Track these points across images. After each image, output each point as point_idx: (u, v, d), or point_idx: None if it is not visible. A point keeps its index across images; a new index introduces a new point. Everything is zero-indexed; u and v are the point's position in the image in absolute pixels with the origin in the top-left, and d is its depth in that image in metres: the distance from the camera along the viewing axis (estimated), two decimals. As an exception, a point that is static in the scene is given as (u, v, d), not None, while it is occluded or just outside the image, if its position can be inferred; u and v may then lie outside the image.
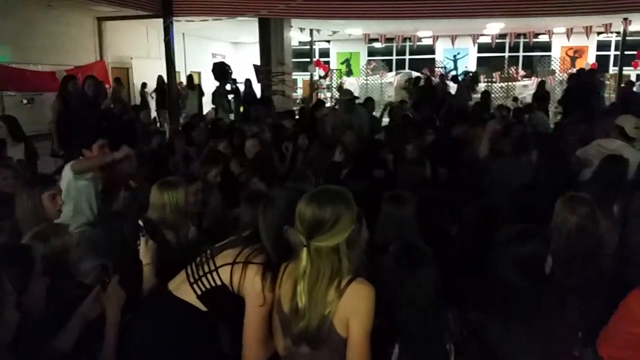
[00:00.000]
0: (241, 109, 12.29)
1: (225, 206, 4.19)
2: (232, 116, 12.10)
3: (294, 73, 16.85)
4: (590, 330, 2.19)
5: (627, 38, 15.47)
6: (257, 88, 13.18)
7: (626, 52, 15.45)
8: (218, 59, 17.09)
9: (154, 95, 14.90)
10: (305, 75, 19.10)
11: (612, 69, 19.24)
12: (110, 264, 2.77)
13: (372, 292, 1.87)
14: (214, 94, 12.26)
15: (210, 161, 4.35)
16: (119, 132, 6.57)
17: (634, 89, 13.42)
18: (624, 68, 15.57)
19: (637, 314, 2.04)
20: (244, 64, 17.66)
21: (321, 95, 20.30)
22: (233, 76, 12.43)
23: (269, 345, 2.06)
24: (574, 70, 14.26)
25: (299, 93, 20.94)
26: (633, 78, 16.90)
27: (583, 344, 2.21)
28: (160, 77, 13.98)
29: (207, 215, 3.90)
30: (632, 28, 15.35)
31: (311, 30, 16.80)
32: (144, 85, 15.74)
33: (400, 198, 3.00)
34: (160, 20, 11.52)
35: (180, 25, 13.58)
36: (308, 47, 18.18)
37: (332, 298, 1.85)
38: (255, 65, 14.06)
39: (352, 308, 1.85)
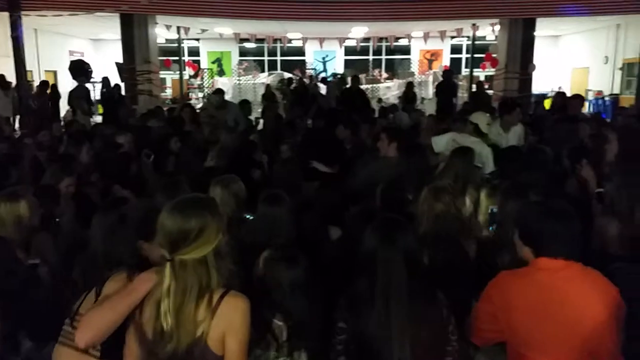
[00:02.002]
0: (100, 109, 11.47)
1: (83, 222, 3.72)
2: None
3: (162, 72, 16.20)
4: (459, 323, 2.32)
5: (476, 42, 17.02)
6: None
7: (476, 55, 16.97)
8: (76, 57, 15.88)
9: None
10: (175, 75, 18.42)
11: (465, 71, 21.02)
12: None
13: (247, 304, 1.79)
14: (70, 94, 11.30)
15: (62, 169, 3.92)
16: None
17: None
18: (475, 70, 17.08)
19: (490, 292, 2.23)
20: (106, 62, 16.63)
21: (192, 96, 19.77)
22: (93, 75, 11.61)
23: None
24: (431, 72, 15.41)
25: (168, 93, 20.16)
26: (482, 79, 18.61)
27: (455, 337, 2.32)
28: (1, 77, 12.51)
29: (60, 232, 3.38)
30: (480, 33, 16.92)
31: (178, 28, 16.25)
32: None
33: (274, 197, 2.98)
34: (6, 14, 10.44)
35: (32, 20, 12.40)
36: (176, 45, 17.56)
37: (204, 316, 1.73)
38: (118, 64, 13.28)
39: (228, 324, 1.75)
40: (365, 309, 2.08)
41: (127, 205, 2.20)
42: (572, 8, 11.41)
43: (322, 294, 2.29)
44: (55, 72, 17.70)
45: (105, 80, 11.89)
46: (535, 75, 13.82)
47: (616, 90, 16.62)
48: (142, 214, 1.87)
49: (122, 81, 12.71)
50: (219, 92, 9.14)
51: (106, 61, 17.17)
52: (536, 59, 13.67)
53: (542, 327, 2.07)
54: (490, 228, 3.14)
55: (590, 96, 16.66)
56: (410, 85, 14.10)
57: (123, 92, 11.93)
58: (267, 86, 15.66)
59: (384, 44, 22.05)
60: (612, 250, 3.13)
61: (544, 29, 16.19)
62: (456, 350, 2.17)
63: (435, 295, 2.16)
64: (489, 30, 15.94)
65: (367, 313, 2.07)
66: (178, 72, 17.12)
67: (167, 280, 1.73)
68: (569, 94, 10.69)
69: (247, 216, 3.27)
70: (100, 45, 21.79)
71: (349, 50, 22.27)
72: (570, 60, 19.93)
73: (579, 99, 8.21)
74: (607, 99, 16.37)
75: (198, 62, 22.45)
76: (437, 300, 2.15)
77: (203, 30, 17.58)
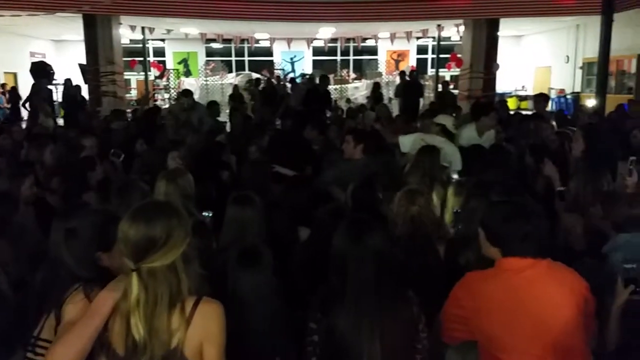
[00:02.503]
0: (62, 112, 11.18)
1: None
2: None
3: (127, 73, 15.92)
4: (431, 321, 2.33)
5: (442, 43, 17.26)
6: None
7: (441, 55, 17.20)
8: (37, 59, 15.45)
9: None
10: (140, 76, 18.11)
11: (431, 71, 21.29)
12: None
13: (221, 308, 1.75)
14: (31, 96, 10.97)
15: (22, 172, 3.77)
16: None
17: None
18: (440, 70, 17.33)
19: (457, 294, 2.25)
20: (69, 64, 16.24)
21: (158, 97, 19.48)
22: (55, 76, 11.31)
23: None
24: (397, 72, 15.59)
25: (133, 94, 19.81)
26: (448, 79, 18.90)
27: (425, 334, 2.33)
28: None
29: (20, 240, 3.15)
30: (445, 34, 17.17)
31: (143, 29, 15.99)
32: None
33: (244, 198, 2.95)
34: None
35: (-12, 20, 12.02)
36: (141, 45, 17.28)
37: (178, 325, 1.68)
38: (81, 65, 12.99)
39: (205, 332, 1.71)
40: (336, 309, 2.07)
41: (84, 213, 2.11)
42: (534, 8, 11.70)
43: (290, 295, 2.28)
44: (15, 74, 17.18)
45: (67, 82, 11.63)
46: (499, 74, 14.10)
47: (577, 89, 17.10)
48: (98, 223, 1.79)
49: (85, 83, 12.45)
50: (188, 93, 9.00)
51: (69, 63, 16.75)
52: (500, 59, 13.96)
53: (512, 328, 2.08)
54: (455, 228, 3.18)
55: (553, 94, 17.08)
56: (377, 86, 14.20)
57: (85, 94, 11.68)
58: (235, 87, 15.54)
59: (351, 44, 22.14)
60: (577, 247, 3.21)
61: (507, 29, 16.53)
62: (426, 349, 2.18)
63: (406, 294, 2.17)
64: (453, 31, 16.19)
65: (338, 312, 2.06)
66: (143, 73, 16.85)
67: (134, 291, 1.66)
68: (532, 93, 10.96)
69: (205, 214, 3.20)
70: (63, 47, 21.27)
71: (317, 51, 22.30)
72: (533, 60, 20.40)
73: (543, 97, 8.43)
74: (569, 97, 16.84)
75: (164, 62, 22.13)
76: (407, 298, 2.15)
77: (168, 31, 17.35)
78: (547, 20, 15.67)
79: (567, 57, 17.90)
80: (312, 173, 5.17)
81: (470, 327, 2.18)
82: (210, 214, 3.18)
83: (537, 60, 20.20)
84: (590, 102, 12.70)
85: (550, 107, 10.75)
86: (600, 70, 9.12)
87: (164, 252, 1.67)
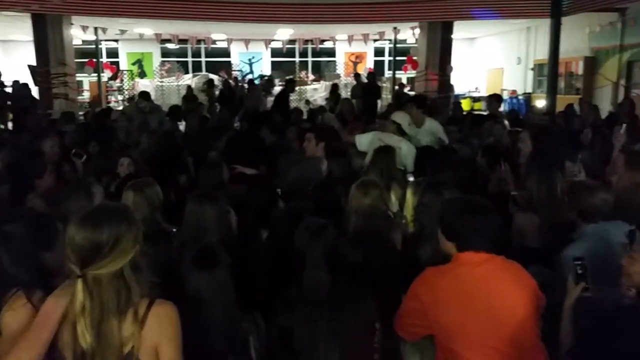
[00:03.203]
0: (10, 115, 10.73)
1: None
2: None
3: (79, 74, 15.46)
4: (385, 318, 2.36)
5: (398, 45, 17.50)
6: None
7: (398, 58, 17.43)
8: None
9: None
10: (93, 77, 17.61)
11: (388, 73, 21.55)
12: None
13: (175, 309, 1.73)
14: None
15: None
16: None
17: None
18: (397, 72, 17.55)
19: (416, 289, 2.28)
20: (17, 65, 15.64)
21: (112, 99, 19.00)
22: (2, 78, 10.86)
23: None
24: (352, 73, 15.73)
25: (86, 96, 19.25)
26: (404, 81, 19.18)
27: (381, 333, 2.36)
28: None
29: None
30: (401, 36, 17.41)
31: (96, 29, 15.56)
32: None
33: (203, 195, 2.92)
34: None
35: None
36: (93, 46, 16.81)
37: (132, 331, 1.64)
38: (30, 66, 12.53)
39: (160, 334, 1.68)
40: (294, 309, 2.10)
41: (19, 217, 2.04)
42: (486, 12, 12.01)
43: (250, 295, 2.28)
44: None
45: (15, 84, 11.22)
46: (453, 76, 14.40)
47: (529, 90, 17.63)
48: (36, 225, 1.74)
49: (35, 85, 12.02)
50: (147, 96, 8.81)
51: (18, 63, 16.14)
52: (454, 61, 14.25)
53: (468, 322, 2.12)
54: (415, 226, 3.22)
55: (506, 95, 17.57)
56: (335, 87, 14.28)
57: (36, 96, 11.29)
58: (189, 88, 15.34)
59: (309, 46, 22.17)
60: (530, 244, 3.31)
61: (461, 32, 16.90)
62: (384, 348, 2.21)
63: (362, 292, 2.19)
64: (409, 34, 16.44)
65: (296, 312, 2.09)
66: (95, 75, 16.40)
67: (79, 298, 1.61)
68: (485, 94, 11.20)
69: (173, 229, 3.15)
70: (11, 47, 20.45)
71: (275, 52, 22.22)
72: (486, 62, 20.92)
73: (496, 98, 8.68)
74: (520, 97, 17.35)
75: (117, 63, 21.60)
76: (363, 297, 2.18)
77: (122, 31, 16.94)
78: (499, 23, 16.10)
79: (519, 58, 18.44)
80: (267, 172, 5.16)
81: (428, 321, 2.22)
82: (175, 230, 3.13)
83: (489, 62, 20.73)
84: (541, 103, 13.17)
85: (503, 107, 11.06)
86: (550, 72, 9.43)
87: (111, 258, 1.62)
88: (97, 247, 1.61)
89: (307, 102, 17.10)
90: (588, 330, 2.07)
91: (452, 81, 14.63)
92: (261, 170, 5.21)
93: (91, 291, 1.62)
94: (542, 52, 14.85)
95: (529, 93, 17.31)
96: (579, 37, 14.01)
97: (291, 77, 14.40)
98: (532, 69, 17.41)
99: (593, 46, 14.24)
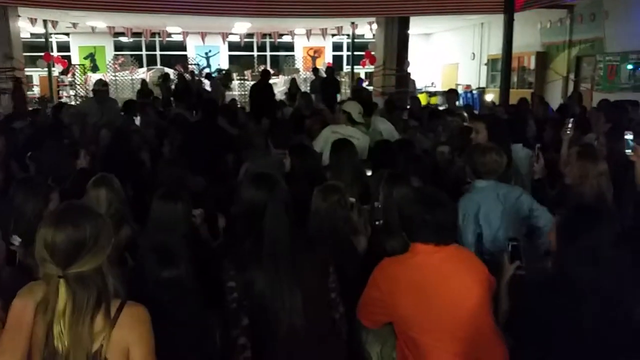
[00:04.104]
0: None
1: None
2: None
3: (28, 69, 14.89)
4: (346, 296, 2.40)
5: (356, 40, 17.59)
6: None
7: (356, 53, 17.53)
8: None
9: None
10: (43, 72, 16.99)
11: (346, 68, 21.66)
12: None
13: (147, 312, 1.73)
14: None
15: None
16: None
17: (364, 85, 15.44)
18: (355, 67, 17.65)
19: (376, 278, 2.32)
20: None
21: (63, 94, 18.40)
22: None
23: None
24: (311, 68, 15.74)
25: (36, 91, 18.57)
26: (363, 75, 19.31)
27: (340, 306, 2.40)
28: None
29: None
30: (359, 31, 17.51)
31: (45, 22, 15.01)
32: None
33: (173, 194, 2.91)
34: None
35: None
36: (43, 40, 16.23)
37: (101, 328, 1.62)
38: (-26, 60, 12.00)
39: (132, 336, 1.67)
40: (252, 267, 2.15)
41: None
42: (441, 7, 12.24)
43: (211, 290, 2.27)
44: None
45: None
46: (410, 71, 14.59)
47: (482, 84, 18.05)
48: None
49: (-20, 79, 11.51)
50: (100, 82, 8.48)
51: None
52: (411, 56, 14.44)
53: (425, 308, 2.18)
54: (376, 223, 3.24)
55: (460, 90, 17.94)
56: (293, 82, 14.25)
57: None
58: (143, 82, 15.01)
59: (268, 40, 22.04)
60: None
61: (418, 27, 17.13)
62: (343, 318, 2.34)
63: (315, 238, 2.40)
64: (367, 29, 16.54)
65: (255, 270, 2.14)
66: (46, 69, 15.84)
67: (62, 300, 1.60)
68: (441, 89, 11.43)
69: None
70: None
71: (233, 46, 21.98)
72: (442, 57, 21.27)
73: (453, 92, 8.93)
74: (474, 92, 17.75)
75: (69, 57, 20.90)
76: (318, 242, 2.40)
77: (74, 24, 16.40)
78: (454, 19, 16.39)
79: (473, 54, 18.83)
80: (234, 162, 5.13)
81: (387, 309, 2.28)
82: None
83: (445, 58, 21.08)
84: (489, 97, 13.57)
85: (458, 102, 11.31)
86: (503, 67, 9.68)
87: (93, 253, 1.62)
88: (79, 245, 1.61)
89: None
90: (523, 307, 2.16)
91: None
92: (229, 158, 5.16)
93: (74, 291, 1.60)
94: (495, 48, 15.21)
95: (483, 88, 17.71)
96: (530, 32, 14.41)
97: (264, 67, 14.25)
98: (486, 64, 17.82)
99: (544, 41, 14.70)
